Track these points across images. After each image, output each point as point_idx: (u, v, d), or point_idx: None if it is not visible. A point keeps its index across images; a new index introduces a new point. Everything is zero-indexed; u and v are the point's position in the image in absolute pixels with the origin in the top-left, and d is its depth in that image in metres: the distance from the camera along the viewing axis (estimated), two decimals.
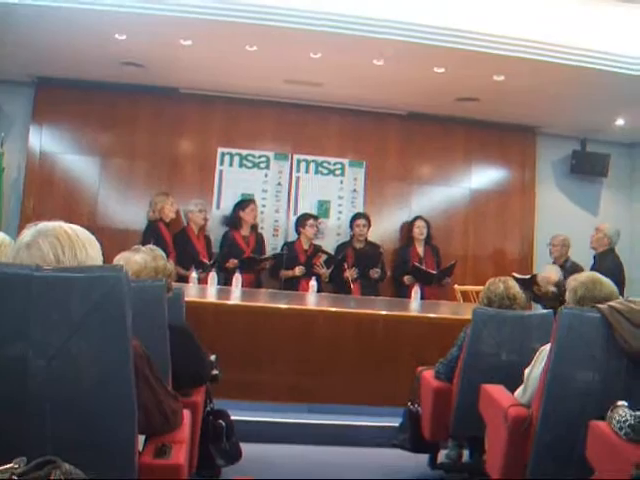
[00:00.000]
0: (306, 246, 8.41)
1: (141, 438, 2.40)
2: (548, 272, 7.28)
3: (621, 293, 3.89)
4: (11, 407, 2.05)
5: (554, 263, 8.27)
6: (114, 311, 2.08)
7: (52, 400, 2.07)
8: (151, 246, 3.84)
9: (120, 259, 3.43)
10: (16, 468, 1.70)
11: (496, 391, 3.86)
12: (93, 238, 2.29)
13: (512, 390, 3.81)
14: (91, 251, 2.24)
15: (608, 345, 3.20)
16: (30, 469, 1.71)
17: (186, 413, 2.77)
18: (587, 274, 3.76)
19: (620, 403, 2.93)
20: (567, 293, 3.73)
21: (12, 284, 2.04)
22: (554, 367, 3.26)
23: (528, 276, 7.37)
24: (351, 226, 8.70)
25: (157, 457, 2.39)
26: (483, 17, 6.34)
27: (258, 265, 8.12)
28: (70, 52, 7.32)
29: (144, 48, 7.13)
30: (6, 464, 1.72)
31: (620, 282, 7.22)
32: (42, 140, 8.72)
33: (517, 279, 5.09)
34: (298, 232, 8.52)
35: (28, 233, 2.22)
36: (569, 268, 7.95)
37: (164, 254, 3.80)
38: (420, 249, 8.71)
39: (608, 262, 7.70)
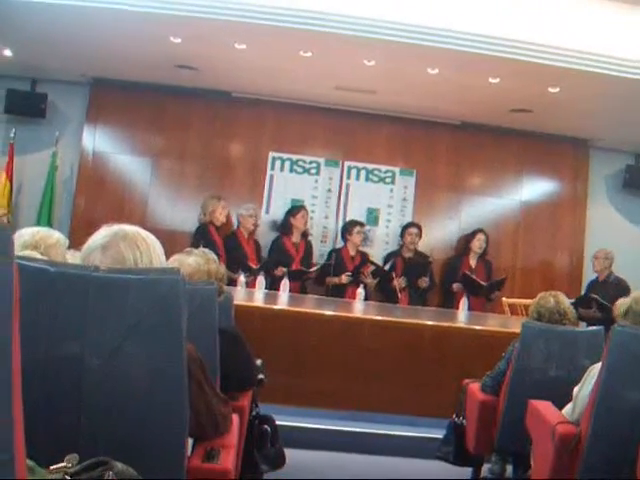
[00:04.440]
0: (353, 253, 8.40)
1: (190, 441, 2.41)
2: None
3: None
4: (65, 405, 2.07)
5: (598, 278, 8.19)
6: (170, 314, 2.09)
7: (105, 400, 2.09)
8: (204, 249, 3.86)
9: (173, 261, 3.45)
10: (69, 467, 1.71)
11: (544, 407, 3.82)
12: (159, 243, 2.34)
13: (559, 407, 3.77)
14: (162, 258, 2.30)
15: None
16: (83, 469, 1.72)
17: (235, 418, 2.78)
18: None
19: None
20: (618, 309, 3.68)
21: (71, 284, 2.06)
22: (604, 385, 3.20)
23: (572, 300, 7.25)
24: (402, 235, 8.68)
25: (206, 461, 2.40)
26: (540, 28, 6.28)
27: (305, 277, 8.13)
28: (125, 54, 7.41)
29: (198, 51, 7.19)
30: (59, 462, 1.73)
31: None
32: (95, 139, 8.84)
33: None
34: (345, 239, 8.51)
35: (103, 234, 2.26)
36: (612, 282, 7.88)
37: (216, 257, 3.82)
38: (473, 261, 8.66)
39: None
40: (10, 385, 1.19)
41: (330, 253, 8.58)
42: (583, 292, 8.45)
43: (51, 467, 1.67)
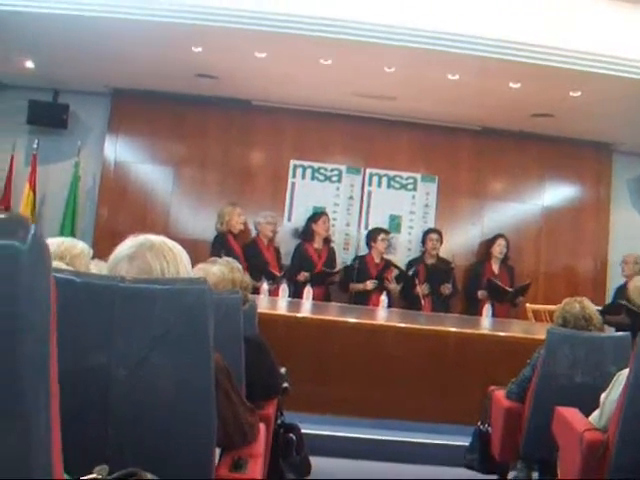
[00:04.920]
0: (377, 260, 8.39)
1: (217, 451, 2.40)
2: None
3: None
4: (93, 416, 2.07)
5: (627, 282, 8.12)
6: (197, 324, 2.09)
7: (133, 411, 2.09)
8: (228, 258, 3.87)
9: (198, 271, 3.45)
10: (99, 478, 1.71)
11: (571, 414, 3.79)
12: (186, 253, 2.34)
13: (586, 413, 3.74)
14: (189, 267, 2.31)
15: None
16: None
17: (262, 427, 2.77)
18: None
19: None
20: None
21: (98, 294, 2.06)
22: (632, 391, 3.18)
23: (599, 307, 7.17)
24: (423, 241, 8.67)
25: (233, 470, 2.40)
26: (560, 32, 6.26)
27: (329, 279, 8.12)
28: (146, 64, 7.46)
29: (219, 60, 7.23)
30: (88, 473, 1.74)
31: None
32: (117, 149, 8.90)
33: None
34: (369, 246, 8.50)
35: (129, 245, 2.27)
36: None
37: (240, 266, 3.83)
38: (495, 267, 8.63)
39: None
40: (49, 399, 1.20)
41: (354, 260, 8.58)
42: (610, 298, 8.38)
43: (82, 478, 1.67)
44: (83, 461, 1.88)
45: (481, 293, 8.28)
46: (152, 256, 2.23)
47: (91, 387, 2.06)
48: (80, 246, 3.35)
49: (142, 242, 2.27)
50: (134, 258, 2.22)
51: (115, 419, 2.08)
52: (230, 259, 3.86)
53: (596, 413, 3.65)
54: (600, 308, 6.60)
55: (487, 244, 8.85)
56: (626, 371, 3.34)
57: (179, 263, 2.27)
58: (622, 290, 8.11)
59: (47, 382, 1.18)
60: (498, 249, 8.62)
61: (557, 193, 9.36)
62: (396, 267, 8.31)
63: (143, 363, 2.06)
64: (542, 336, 4.38)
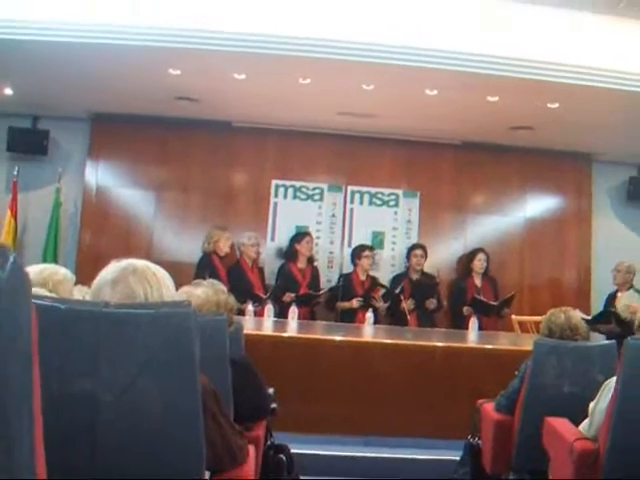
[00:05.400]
0: (363, 277, 8.38)
1: (207, 474, 2.39)
2: (630, 300, 7.14)
3: None
4: (80, 442, 2.05)
5: (617, 290, 8.16)
6: (182, 348, 2.08)
7: (120, 436, 2.07)
8: (212, 280, 3.87)
9: (182, 293, 3.44)
10: None
11: (560, 424, 3.79)
12: (169, 277, 2.33)
13: (576, 423, 3.74)
14: (172, 290, 2.30)
15: None
16: None
17: (251, 449, 2.76)
18: None
19: None
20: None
21: (82, 320, 2.05)
22: (620, 399, 3.18)
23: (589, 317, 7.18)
24: (408, 257, 8.67)
25: None
26: (536, 45, 6.30)
27: (314, 301, 8.11)
28: (125, 88, 7.46)
29: (198, 83, 7.23)
30: None
31: None
32: (98, 174, 8.88)
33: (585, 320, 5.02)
34: (354, 264, 8.49)
35: (112, 270, 2.26)
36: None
37: (225, 288, 3.82)
38: (478, 281, 8.64)
39: None
40: (32, 424, 1.19)
41: (339, 278, 8.56)
42: (600, 306, 8.38)
43: None
44: None
45: (466, 309, 8.26)
46: (135, 280, 2.22)
47: (77, 413, 2.05)
48: (62, 272, 3.34)
49: (125, 267, 2.26)
50: (117, 283, 2.21)
51: (102, 445, 2.06)
52: (214, 281, 3.85)
53: (585, 422, 3.65)
54: (589, 318, 6.63)
55: (467, 259, 8.85)
56: (614, 379, 3.34)
57: (162, 287, 2.26)
58: (612, 298, 8.15)
59: (30, 407, 1.18)
60: (479, 264, 8.64)
61: (539, 204, 9.41)
62: (382, 286, 8.30)
63: (129, 388, 2.05)
64: (529, 347, 4.39)
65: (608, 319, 7.46)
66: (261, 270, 8.42)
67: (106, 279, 2.23)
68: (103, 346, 2.05)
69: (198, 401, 2.10)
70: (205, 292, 3.56)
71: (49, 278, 3.24)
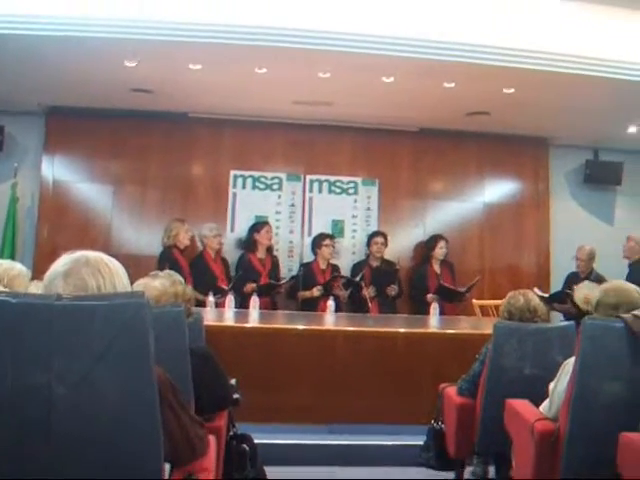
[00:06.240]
0: (323, 266, 8.38)
1: (167, 467, 2.36)
2: (586, 292, 7.18)
3: None
4: (35, 436, 2.03)
5: (579, 274, 8.22)
6: (136, 338, 2.06)
7: (76, 429, 2.05)
8: (169, 271, 3.85)
9: (139, 285, 3.41)
10: None
11: (521, 406, 3.82)
12: (123, 268, 2.30)
13: (537, 404, 3.77)
14: (125, 281, 2.28)
15: (634, 354, 3.17)
16: None
17: (211, 439, 2.74)
18: (611, 283, 3.72)
19: None
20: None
21: (34, 314, 2.03)
22: (579, 379, 3.22)
23: (547, 295, 7.25)
24: (368, 244, 8.67)
25: None
26: (490, 30, 6.31)
27: (275, 290, 8.09)
28: (79, 80, 7.34)
29: (153, 74, 7.15)
30: None
31: None
32: (55, 169, 8.77)
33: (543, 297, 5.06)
34: (315, 252, 8.49)
35: (64, 262, 2.22)
36: (593, 280, 7.87)
37: (182, 279, 3.80)
38: (437, 267, 8.68)
39: None
40: None
41: (300, 267, 8.55)
42: (559, 286, 8.47)
43: None
44: None
45: (430, 297, 8.24)
46: (88, 272, 2.18)
47: (32, 407, 2.03)
48: (18, 267, 3.32)
49: (77, 258, 2.22)
50: (69, 275, 2.18)
51: (58, 438, 2.05)
52: (172, 272, 3.83)
53: (546, 403, 3.69)
54: (547, 295, 6.69)
55: (428, 246, 8.87)
56: (572, 359, 3.38)
57: (115, 278, 2.23)
58: (573, 279, 8.20)
59: None
60: (440, 252, 8.66)
61: (497, 189, 9.47)
62: (343, 276, 8.30)
63: (84, 380, 2.03)
64: (490, 331, 4.41)
65: (564, 299, 7.55)
66: (225, 261, 8.38)
67: (58, 271, 2.20)
68: (56, 339, 2.02)
69: (154, 391, 2.07)
70: (162, 283, 3.54)
71: (4, 273, 3.22)
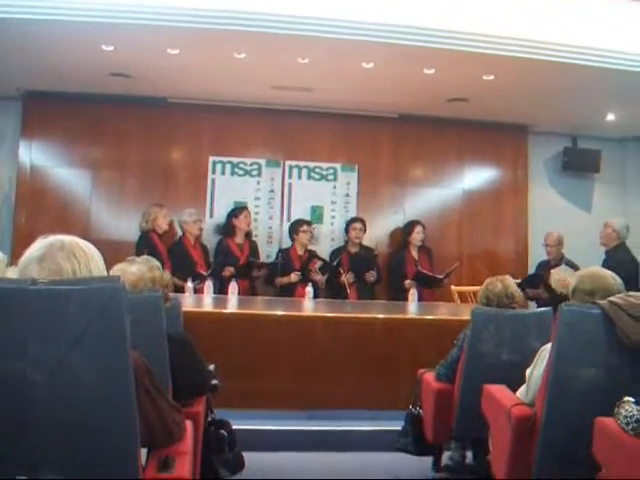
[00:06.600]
0: (301, 252, 8.37)
1: (143, 451, 2.36)
2: (563, 275, 7.23)
3: (637, 287, 3.86)
4: (11, 422, 2.02)
5: (549, 262, 8.27)
6: (112, 323, 2.05)
7: (52, 415, 2.05)
8: (147, 257, 3.83)
9: (116, 270, 3.40)
10: None
11: (498, 391, 3.84)
12: (99, 253, 2.29)
13: (514, 390, 3.79)
14: (101, 265, 2.27)
15: (610, 341, 3.18)
16: None
17: (188, 424, 2.73)
18: (587, 269, 3.74)
19: (627, 399, 2.91)
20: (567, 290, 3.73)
21: (8, 299, 2.01)
22: (556, 365, 3.23)
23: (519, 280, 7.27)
24: (346, 230, 8.67)
25: (161, 471, 2.35)
26: (471, 17, 6.31)
27: (254, 270, 8.06)
28: (57, 65, 7.28)
29: (131, 58, 7.10)
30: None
31: (635, 276, 7.21)
32: (32, 154, 8.69)
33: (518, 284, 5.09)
34: (292, 238, 8.48)
35: (39, 246, 2.21)
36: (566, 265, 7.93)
37: (160, 264, 3.78)
38: (414, 252, 8.68)
39: (620, 257, 7.59)
40: None
41: (278, 253, 8.55)
42: (532, 271, 8.55)
43: None
44: (4, 467, 1.85)
45: (408, 283, 8.24)
46: (63, 256, 2.17)
47: (7, 393, 2.03)
48: None
49: (52, 242, 2.21)
50: (44, 259, 2.16)
51: (35, 424, 2.04)
52: (149, 257, 3.81)
53: (523, 388, 3.71)
54: (519, 281, 6.72)
55: (405, 231, 8.88)
56: (549, 345, 3.40)
57: (91, 262, 2.21)
58: (545, 266, 8.26)
59: None
60: (417, 237, 8.67)
61: (476, 176, 9.49)
62: (319, 259, 8.29)
63: (60, 365, 2.02)
64: (468, 317, 4.42)
65: (537, 284, 7.61)
66: (204, 247, 8.35)
67: (33, 256, 2.18)
68: (31, 324, 2.02)
69: (130, 375, 2.07)
70: (139, 269, 3.53)
71: None
